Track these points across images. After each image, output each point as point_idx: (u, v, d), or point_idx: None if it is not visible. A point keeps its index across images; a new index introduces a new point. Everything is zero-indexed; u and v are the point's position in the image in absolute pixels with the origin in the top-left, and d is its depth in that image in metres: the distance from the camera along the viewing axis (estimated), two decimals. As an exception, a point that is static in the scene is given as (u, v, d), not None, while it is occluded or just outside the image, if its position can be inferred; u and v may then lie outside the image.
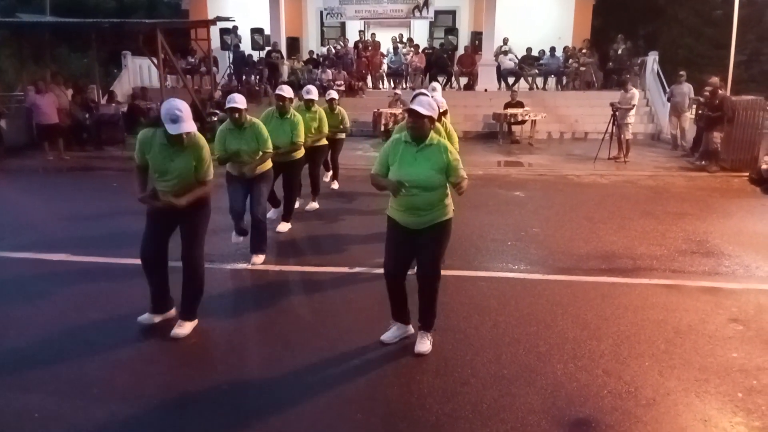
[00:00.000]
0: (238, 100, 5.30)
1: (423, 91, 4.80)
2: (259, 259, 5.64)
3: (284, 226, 6.71)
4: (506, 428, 3.08)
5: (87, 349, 3.94)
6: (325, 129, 7.40)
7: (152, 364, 3.77)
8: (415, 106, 3.62)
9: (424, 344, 3.89)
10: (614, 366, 3.73)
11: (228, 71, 17.11)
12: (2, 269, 5.63)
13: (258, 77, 16.87)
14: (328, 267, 5.56)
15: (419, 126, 3.65)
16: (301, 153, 6.49)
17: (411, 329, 4.07)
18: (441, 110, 5.37)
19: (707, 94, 10.91)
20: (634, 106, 11.61)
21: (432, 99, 3.81)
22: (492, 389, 3.46)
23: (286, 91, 6.25)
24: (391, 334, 4.04)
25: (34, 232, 6.82)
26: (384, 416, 3.23)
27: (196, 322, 4.22)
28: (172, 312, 4.34)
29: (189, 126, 3.78)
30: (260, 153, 5.44)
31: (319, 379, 3.61)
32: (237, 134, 5.36)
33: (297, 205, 7.27)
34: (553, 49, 16.86)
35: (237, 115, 5.27)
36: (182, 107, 3.76)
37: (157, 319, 4.28)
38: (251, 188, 5.55)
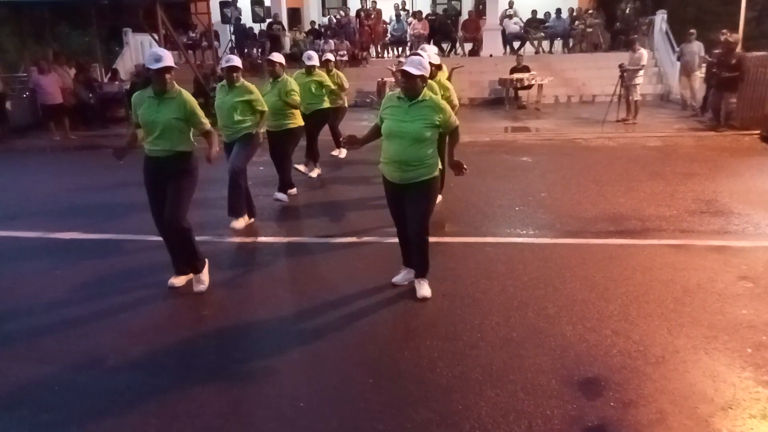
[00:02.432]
0: (236, 60, 5.58)
1: (418, 51, 5.03)
2: (238, 223, 5.64)
3: (281, 196, 6.65)
4: (516, 389, 3.12)
5: (101, 322, 4.01)
6: (329, 85, 7.51)
7: (165, 335, 3.83)
8: (407, 68, 3.85)
9: (424, 288, 4.20)
10: (623, 326, 3.74)
11: (229, 45, 16.93)
12: (15, 248, 5.70)
13: (260, 50, 16.69)
14: (335, 237, 5.58)
15: (411, 85, 3.89)
16: (297, 122, 6.46)
17: None
18: (435, 65, 5.59)
19: (717, 52, 10.68)
20: (642, 66, 11.41)
21: (423, 58, 4.06)
22: (501, 352, 3.49)
23: (275, 56, 6.46)
24: (402, 277, 4.40)
25: (45, 212, 6.88)
26: (394, 379, 3.28)
27: (206, 266, 4.50)
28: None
29: (169, 62, 4.06)
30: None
31: (329, 345, 3.66)
32: (227, 92, 5.58)
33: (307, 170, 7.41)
34: (558, 11, 16.55)
35: (235, 74, 5.49)
36: (163, 52, 4.11)
37: (181, 280, 4.49)
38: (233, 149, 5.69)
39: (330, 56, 8.54)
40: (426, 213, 4.10)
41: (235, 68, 5.49)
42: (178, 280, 4.50)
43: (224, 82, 5.64)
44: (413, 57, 4.10)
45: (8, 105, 12.79)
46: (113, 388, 3.27)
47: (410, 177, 3.97)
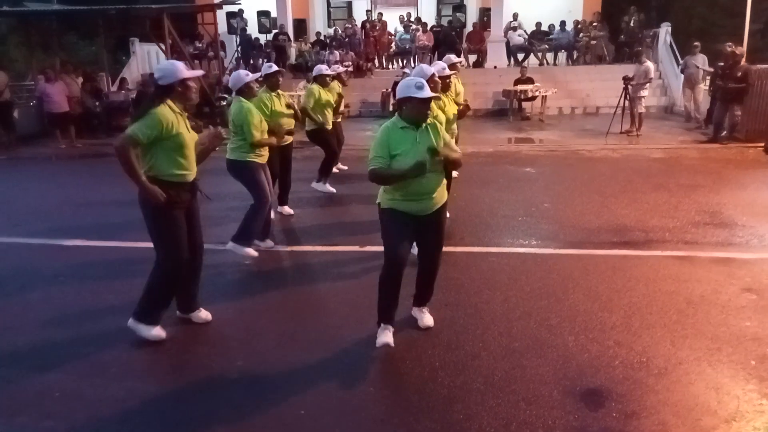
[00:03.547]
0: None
1: (416, 70, 4.93)
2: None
3: (287, 210, 6.66)
4: (517, 399, 3.11)
5: (104, 330, 4.01)
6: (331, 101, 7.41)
7: (167, 343, 3.82)
8: (424, 94, 3.38)
9: (429, 317, 3.96)
10: (626, 337, 3.73)
11: (235, 55, 17.08)
12: (19, 255, 5.73)
13: (266, 60, 16.79)
14: (338, 246, 5.59)
15: (427, 110, 3.47)
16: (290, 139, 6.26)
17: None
18: (448, 71, 5.57)
19: (722, 64, 10.69)
20: (650, 80, 11.41)
21: (423, 72, 4.14)
22: (503, 362, 3.48)
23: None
24: (389, 336, 3.63)
25: (49, 219, 6.92)
26: (396, 389, 3.27)
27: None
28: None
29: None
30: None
31: (332, 354, 3.65)
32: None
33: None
34: (563, 23, 16.63)
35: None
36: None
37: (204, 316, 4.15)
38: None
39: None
40: (444, 236, 3.84)
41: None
42: (203, 315, 4.12)
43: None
44: (417, 80, 3.47)
45: (15, 113, 12.89)
46: (115, 396, 3.27)
47: (434, 204, 3.60)
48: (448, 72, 5.53)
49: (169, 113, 3.49)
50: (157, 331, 3.80)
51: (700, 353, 3.53)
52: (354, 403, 3.16)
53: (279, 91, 5.93)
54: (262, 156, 5.28)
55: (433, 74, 4.43)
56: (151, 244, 3.76)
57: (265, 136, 5.25)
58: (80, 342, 3.88)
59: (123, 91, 14.26)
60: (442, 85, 5.21)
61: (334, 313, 4.24)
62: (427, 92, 3.41)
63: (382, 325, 3.68)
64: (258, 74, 5.56)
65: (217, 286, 4.76)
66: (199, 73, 4.07)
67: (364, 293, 4.49)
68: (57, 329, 4.07)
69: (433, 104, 4.67)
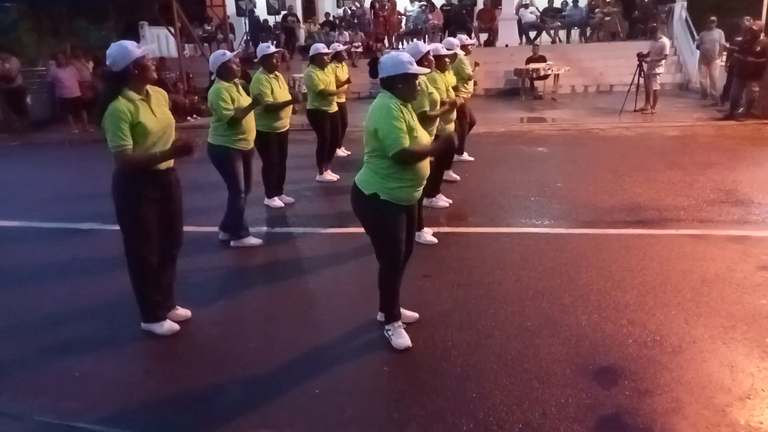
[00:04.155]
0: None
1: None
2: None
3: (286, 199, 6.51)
4: (530, 377, 3.11)
5: (120, 311, 4.05)
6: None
7: (182, 323, 3.85)
8: (412, 68, 3.19)
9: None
10: (639, 316, 3.72)
11: (245, 38, 17.00)
12: (36, 239, 5.81)
13: (275, 42, 16.72)
14: (350, 228, 5.59)
15: (415, 87, 3.27)
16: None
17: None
18: (444, 51, 5.52)
19: (739, 39, 10.46)
20: (665, 56, 11.21)
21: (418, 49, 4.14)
22: (516, 341, 3.49)
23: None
24: (406, 337, 3.50)
25: (64, 203, 6.99)
26: (409, 368, 3.29)
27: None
28: None
29: None
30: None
31: (344, 335, 3.68)
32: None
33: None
34: (576, 0, 16.33)
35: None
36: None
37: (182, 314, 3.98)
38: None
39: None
40: None
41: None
42: (180, 313, 3.92)
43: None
44: (412, 48, 3.91)
45: (28, 99, 12.97)
46: (132, 377, 3.33)
47: (421, 191, 3.46)
48: (444, 52, 5.45)
49: (125, 104, 3.23)
50: (169, 325, 3.74)
51: (714, 331, 3.50)
52: (367, 383, 3.19)
53: (277, 72, 5.80)
54: (243, 141, 4.98)
55: (428, 52, 4.37)
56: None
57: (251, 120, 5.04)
58: (97, 324, 3.94)
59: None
60: (439, 64, 5.19)
61: (346, 295, 4.26)
62: (419, 68, 3.29)
63: (394, 325, 3.51)
64: (234, 53, 5.08)
65: (231, 270, 4.80)
66: (152, 47, 3.71)
67: (376, 275, 4.50)
68: (74, 311, 4.13)
69: (427, 83, 4.74)
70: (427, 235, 5.08)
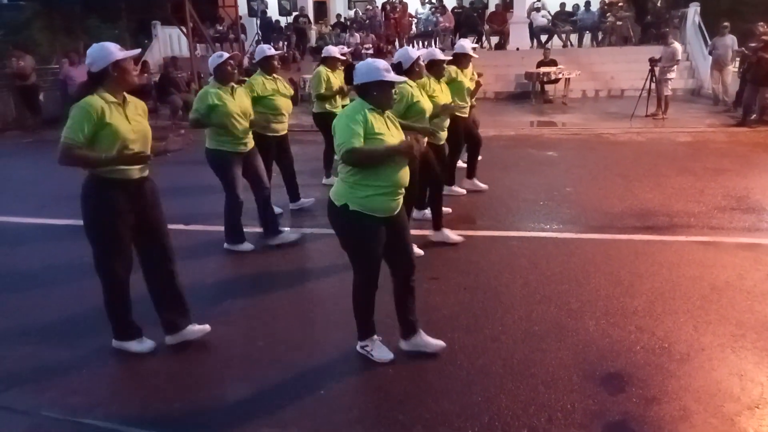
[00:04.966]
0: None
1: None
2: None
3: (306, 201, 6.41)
4: (536, 382, 3.10)
5: (133, 304, 4.06)
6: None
7: (192, 320, 3.87)
8: (394, 77, 3.12)
9: (433, 341, 3.45)
10: (648, 322, 3.69)
11: (256, 38, 17.06)
12: (46, 236, 5.86)
13: (286, 43, 16.79)
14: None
15: (391, 95, 3.19)
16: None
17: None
18: (441, 56, 5.16)
19: (754, 45, 10.37)
20: (677, 62, 11.14)
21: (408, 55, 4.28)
22: (522, 345, 3.47)
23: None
24: (387, 350, 3.41)
25: (75, 201, 6.99)
26: (414, 371, 3.28)
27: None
28: None
29: None
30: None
31: (351, 336, 3.66)
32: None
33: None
34: (588, 4, 16.27)
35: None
36: None
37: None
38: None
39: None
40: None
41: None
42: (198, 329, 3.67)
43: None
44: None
45: (41, 97, 13.08)
46: (139, 373, 3.36)
47: (400, 202, 3.23)
48: (440, 57, 5.10)
49: (98, 101, 3.11)
50: (142, 344, 3.54)
51: (723, 339, 3.47)
52: (373, 384, 3.19)
53: (275, 75, 5.66)
54: (242, 144, 4.88)
55: (418, 57, 4.33)
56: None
57: (245, 123, 4.88)
58: (105, 320, 3.94)
59: (145, 75, 14.34)
60: (435, 72, 5.02)
61: (350, 298, 4.24)
62: (395, 76, 3.14)
63: (370, 340, 3.39)
64: (230, 55, 4.96)
65: (239, 269, 4.81)
66: (134, 52, 3.51)
67: (384, 276, 4.50)
68: (82, 308, 4.14)
69: (419, 89, 4.54)
70: (452, 234, 5.13)
